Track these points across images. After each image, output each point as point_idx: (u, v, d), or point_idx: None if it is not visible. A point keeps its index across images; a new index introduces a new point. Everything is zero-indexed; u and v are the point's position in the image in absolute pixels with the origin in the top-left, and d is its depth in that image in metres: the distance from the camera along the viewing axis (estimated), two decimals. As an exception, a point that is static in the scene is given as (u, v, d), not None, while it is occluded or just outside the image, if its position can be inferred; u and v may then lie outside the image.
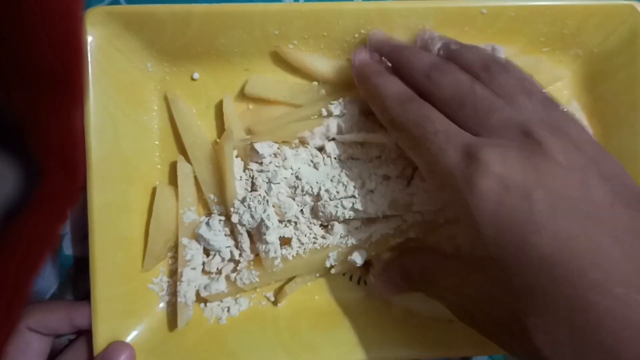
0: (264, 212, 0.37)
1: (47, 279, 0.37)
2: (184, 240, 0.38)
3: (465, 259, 0.30)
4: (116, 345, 0.36)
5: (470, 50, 0.35)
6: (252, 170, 0.39)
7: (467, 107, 0.31)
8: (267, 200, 0.37)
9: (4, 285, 0.21)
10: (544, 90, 0.33)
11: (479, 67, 0.33)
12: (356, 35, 0.38)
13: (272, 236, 0.37)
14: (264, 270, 0.38)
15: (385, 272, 0.38)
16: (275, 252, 0.37)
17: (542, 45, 0.40)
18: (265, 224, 0.36)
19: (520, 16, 0.38)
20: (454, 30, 0.38)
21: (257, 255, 0.39)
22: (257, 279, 0.38)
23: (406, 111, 0.32)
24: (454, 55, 0.35)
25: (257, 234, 0.38)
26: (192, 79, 0.40)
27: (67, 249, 0.40)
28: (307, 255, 0.38)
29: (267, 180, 0.38)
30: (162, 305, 0.39)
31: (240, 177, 0.39)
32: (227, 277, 0.39)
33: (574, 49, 0.41)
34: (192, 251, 0.38)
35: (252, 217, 0.37)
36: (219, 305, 0.40)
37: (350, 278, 0.41)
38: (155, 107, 0.40)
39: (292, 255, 0.38)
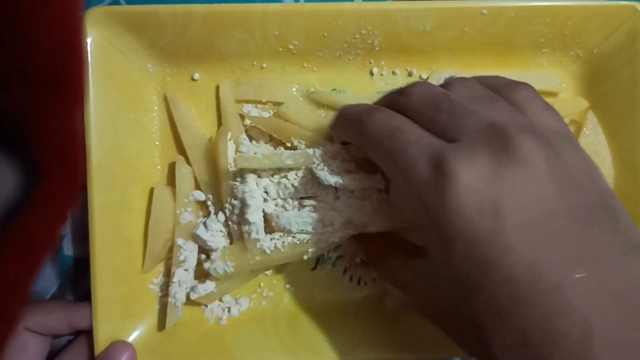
0: (244, 192, 0.36)
1: (47, 280, 0.37)
2: (179, 241, 0.38)
3: (430, 265, 0.29)
4: (117, 345, 0.36)
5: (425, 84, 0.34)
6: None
7: (441, 113, 0.30)
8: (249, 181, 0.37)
9: (4, 285, 0.21)
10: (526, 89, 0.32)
11: (449, 81, 0.33)
12: (357, 36, 0.38)
13: (254, 215, 0.36)
14: (238, 261, 0.37)
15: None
16: (257, 233, 0.37)
17: (542, 46, 0.40)
18: (246, 203, 0.36)
19: (521, 17, 0.38)
20: (455, 31, 0.38)
21: (230, 243, 0.39)
22: (232, 269, 0.37)
23: (377, 123, 0.31)
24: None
25: (241, 215, 0.37)
26: (193, 80, 0.40)
27: (67, 249, 0.40)
28: (286, 249, 0.38)
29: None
30: (159, 305, 0.39)
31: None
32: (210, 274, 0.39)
33: (574, 49, 0.41)
34: (187, 252, 0.38)
35: (236, 198, 0.37)
36: (219, 305, 0.40)
37: (350, 278, 0.41)
38: (156, 108, 0.40)
39: (269, 249, 0.38)
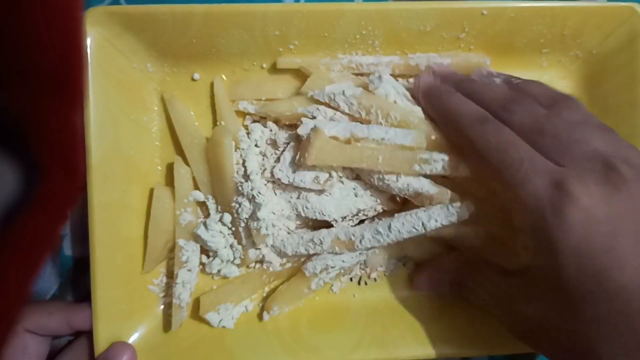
0: (251, 189, 0.36)
1: (48, 280, 0.37)
2: (181, 242, 0.38)
3: (531, 281, 0.30)
4: (117, 346, 0.36)
5: (533, 84, 0.36)
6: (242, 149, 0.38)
7: (547, 137, 0.31)
8: (255, 177, 0.37)
9: (4, 285, 0.21)
10: (605, 125, 0.34)
11: (547, 100, 0.34)
12: (357, 37, 0.38)
13: (264, 212, 0.36)
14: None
15: (431, 275, 0.39)
16: (266, 229, 0.37)
17: (542, 47, 0.40)
18: (256, 201, 0.36)
19: (521, 17, 0.38)
20: (455, 31, 0.38)
21: (239, 242, 0.39)
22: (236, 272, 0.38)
23: (486, 133, 0.32)
24: (520, 88, 0.36)
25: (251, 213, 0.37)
26: (193, 80, 0.39)
27: (67, 249, 0.40)
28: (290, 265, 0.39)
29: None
30: (162, 306, 0.39)
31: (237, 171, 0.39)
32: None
33: (574, 50, 0.41)
34: (189, 253, 0.38)
35: (247, 199, 0.37)
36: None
37: (351, 279, 0.41)
38: (156, 108, 0.40)
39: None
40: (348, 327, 0.39)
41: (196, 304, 0.39)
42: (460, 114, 0.34)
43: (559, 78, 0.42)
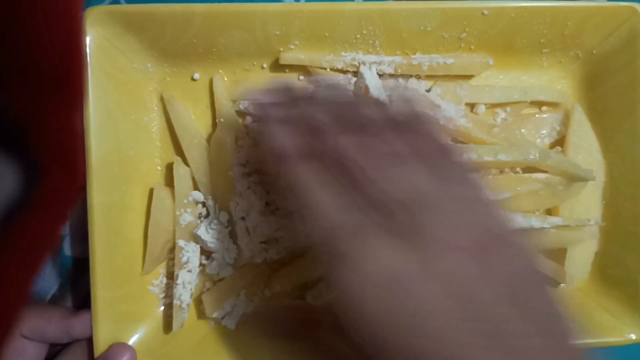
0: (248, 187, 0.37)
1: (48, 280, 0.37)
2: (181, 242, 0.38)
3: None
4: (117, 347, 0.35)
5: (363, 108, 0.32)
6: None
7: (352, 174, 0.28)
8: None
9: (4, 285, 0.21)
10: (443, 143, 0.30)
11: (373, 131, 0.30)
12: (358, 36, 0.38)
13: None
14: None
15: None
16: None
17: (542, 47, 0.40)
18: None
19: (521, 17, 0.38)
20: (455, 31, 0.38)
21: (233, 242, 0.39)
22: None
23: (296, 173, 0.29)
24: (346, 113, 0.32)
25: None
26: (193, 79, 0.39)
27: (67, 249, 0.40)
28: None
29: None
30: (162, 307, 0.39)
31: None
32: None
33: (574, 50, 0.41)
34: (189, 253, 0.38)
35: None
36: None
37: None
38: (155, 108, 0.40)
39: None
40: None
41: (196, 305, 0.39)
42: (271, 143, 0.31)
43: (559, 78, 0.42)
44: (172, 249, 0.39)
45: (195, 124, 0.39)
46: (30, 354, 0.35)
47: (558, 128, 0.42)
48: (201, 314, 0.39)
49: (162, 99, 0.39)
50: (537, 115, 0.42)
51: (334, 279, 0.26)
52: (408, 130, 0.30)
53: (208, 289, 0.39)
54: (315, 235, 0.27)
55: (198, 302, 0.39)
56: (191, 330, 0.39)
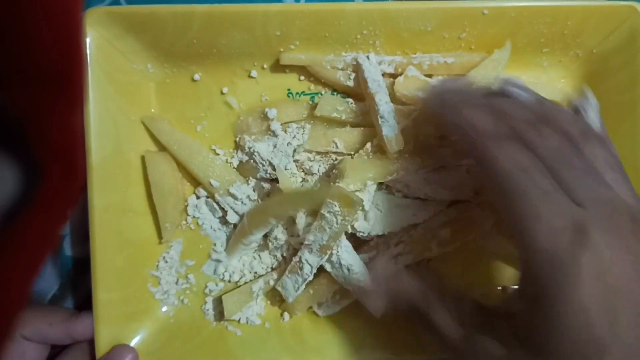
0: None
1: (48, 280, 0.37)
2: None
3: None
4: (119, 349, 0.35)
5: (565, 111, 0.33)
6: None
7: (573, 171, 0.27)
8: None
9: (4, 285, 0.21)
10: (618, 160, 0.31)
11: (577, 132, 0.30)
12: (358, 37, 0.38)
13: None
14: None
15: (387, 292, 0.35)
16: None
17: (543, 46, 0.40)
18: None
19: (521, 17, 0.38)
20: (456, 31, 0.38)
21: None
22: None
23: (503, 153, 0.28)
24: (551, 111, 0.31)
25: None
26: (193, 80, 0.39)
27: (68, 249, 0.40)
28: None
29: None
30: (164, 309, 0.39)
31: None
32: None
33: (574, 49, 0.40)
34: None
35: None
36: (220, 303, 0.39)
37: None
38: (153, 110, 0.40)
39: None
40: (352, 327, 0.39)
41: (197, 306, 0.39)
42: (474, 126, 0.30)
43: (559, 77, 0.42)
44: (184, 210, 0.39)
45: (175, 185, 0.39)
46: (31, 356, 0.35)
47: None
48: (204, 314, 0.39)
49: (142, 159, 0.39)
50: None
51: (568, 269, 0.25)
52: (601, 144, 0.31)
53: (229, 291, 0.39)
54: (553, 222, 0.26)
55: (200, 302, 0.39)
56: (193, 331, 0.39)
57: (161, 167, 0.38)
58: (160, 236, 0.39)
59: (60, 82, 0.22)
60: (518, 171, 0.27)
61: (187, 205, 0.39)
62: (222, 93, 0.40)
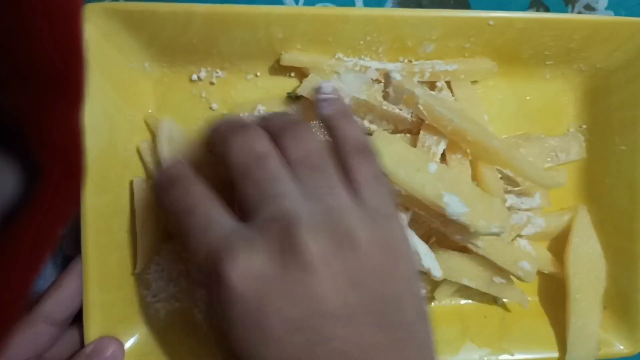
0: None
1: (48, 280, 0.36)
2: None
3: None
4: (104, 340, 0.35)
5: (275, 116, 0.33)
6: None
7: (250, 186, 0.29)
8: None
9: (4, 285, 0.21)
10: (358, 141, 0.32)
11: (275, 134, 0.31)
12: (361, 42, 0.38)
13: None
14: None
15: None
16: None
17: (547, 58, 0.41)
18: None
19: (528, 29, 0.38)
20: (460, 40, 0.38)
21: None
22: None
23: (175, 196, 0.30)
24: (260, 120, 0.33)
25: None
26: (191, 80, 0.39)
27: (68, 249, 0.39)
28: None
29: None
30: (155, 311, 0.39)
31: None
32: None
33: (578, 63, 0.41)
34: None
35: None
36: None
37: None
38: (150, 111, 0.39)
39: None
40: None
41: (186, 308, 0.39)
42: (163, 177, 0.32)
43: (561, 91, 0.43)
44: (164, 239, 0.39)
45: (159, 215, 0.38)
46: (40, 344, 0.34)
47: (560, 154, 0.42)
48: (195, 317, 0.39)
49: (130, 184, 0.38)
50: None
51: (212, 295, 0.27)
52: (305, 137, 0.31)
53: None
54: (200, 254, 0.28)
55: (192, 305, 0.39)
56: (184, 334, 0.39)
57: (148, 194, 0.38)
58: (135, 262, 0.38)
59: (60, 81, 0.22)
60: (185, 210, 0.29)
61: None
62: (220, 94, 0.40)
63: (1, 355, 0.22)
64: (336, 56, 0.39)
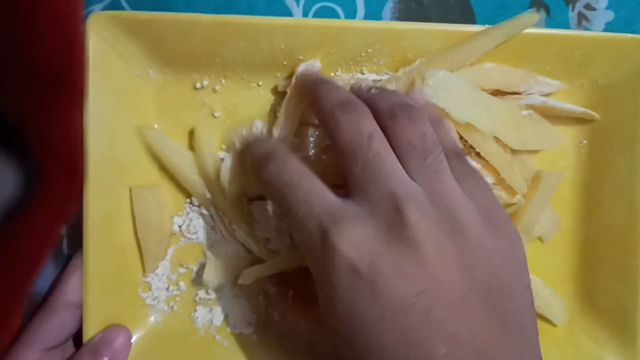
0: None
1: (48, 280, 0.36)
2: None
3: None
4: (112, 329, 0.36)
5: (384, 95, 0.34)
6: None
7: (357, 163, 0.29)
8: None
9: (4, 285, 0.21)
10: (450, 144, 0.33)
11: (386, 114, 0.32)
12: (363, 54, 0.38)
13: None
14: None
15: None
16: None
17: (548, 73, 0.41)
18: None
19: (529, 43, 0.39)
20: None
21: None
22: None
23: (278, 169, 0.31)
24: (367, 97, 0.33)
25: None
26: (195, 88, 0.40)
27: (68, 249, 0.39)
28: None
29: None
30: (153, 315, 0.39)
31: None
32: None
33: (579, 79, 0.42)
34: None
35: None
36: (210, 311, 0.40)
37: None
38: (154, 116, 0.40)
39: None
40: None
41: (183, 312, 0.39)
42: (323, 97, 0.32)
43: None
44: (168, 245, 0.40)
45: (162, 221, 0.39)
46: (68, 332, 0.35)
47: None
48: (193, 322, 0.40)
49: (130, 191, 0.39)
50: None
51: (323, 265, 0.28)
52: (413, 122, 0.32)
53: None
54: (308, 225, 0.29)
55: (190, 310, 0.40)
56: (180, 339, 0.39)
57: (148, 202, 0.39)
58: (144, 268, 0.39)
59: (59, 81, 0.22)
60: (287, 182, 0.30)
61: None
62: (223, 102, 0.40)
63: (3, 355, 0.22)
64: (337, 73, 0.40)
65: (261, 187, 0.34)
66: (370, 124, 0.31)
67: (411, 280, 0.26)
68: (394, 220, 0.27)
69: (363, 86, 0.35)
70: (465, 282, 0.27)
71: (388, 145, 0.30)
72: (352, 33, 0.37)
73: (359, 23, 0.37)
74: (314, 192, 0.30)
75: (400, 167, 0.30)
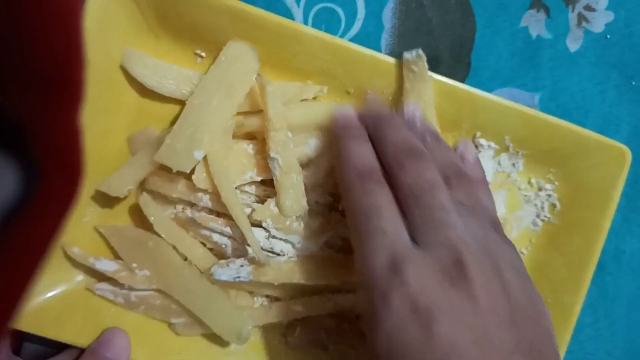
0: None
1: None
2: None
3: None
4: (109, 332, 0.36)
5: (445, 150, 0.36)
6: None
7: (420, 208, 0.31)
8: None
9: (4, 285, 0.21)
10: (493, 212, 0.35)
11: (448, 170, 0.34)
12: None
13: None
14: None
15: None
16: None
17: (523, 149, 0.42)
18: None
19: (508, 117, 0.40)
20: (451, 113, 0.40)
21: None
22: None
23: (363, 192, 0.32)
24: (428, 147, 0.35)
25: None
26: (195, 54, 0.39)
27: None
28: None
29: None
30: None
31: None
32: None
33: (553, 167, 0.43)
34: None
35: None
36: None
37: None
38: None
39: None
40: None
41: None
42: (346, 160, 0.34)
43: (527, 179, 0.44)
44: None
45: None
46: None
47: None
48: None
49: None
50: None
51: (378, 304, 0.29)
52: (472, 185, 0.35)
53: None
54: (375, 259, 0.30)
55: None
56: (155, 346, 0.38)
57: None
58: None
59: (60, 81, 0.22)
60: (366, 210, 0.31)
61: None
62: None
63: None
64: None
65: (342, 187, 0.34)
66: (433, 173, 0.32)
67: (465, 329, 0.27)
68: (453, 270, 0.29)
69: (417, 119, 0.37)
70: (512, 339, 0.28)
71: (450, 196, 0.32)
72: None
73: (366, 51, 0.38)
74: (396, 227, 0.31)
75: (459, 217, 0.31)
